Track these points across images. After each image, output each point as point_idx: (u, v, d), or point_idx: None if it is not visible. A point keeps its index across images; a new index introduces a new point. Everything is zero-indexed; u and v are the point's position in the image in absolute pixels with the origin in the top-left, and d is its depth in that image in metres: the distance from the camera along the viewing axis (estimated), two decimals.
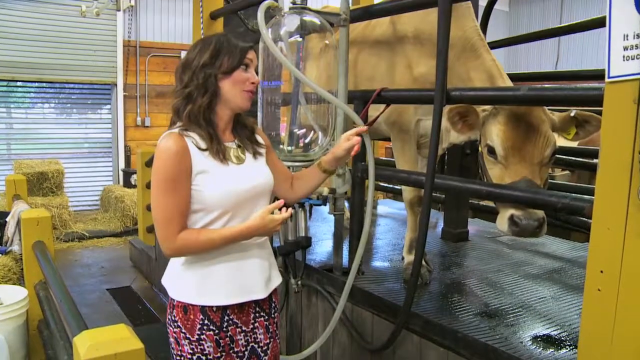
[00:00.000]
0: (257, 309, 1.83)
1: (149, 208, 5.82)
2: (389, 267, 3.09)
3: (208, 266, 1.72)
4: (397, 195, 5.35)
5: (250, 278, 1.77)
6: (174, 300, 1.75)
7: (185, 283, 1.73)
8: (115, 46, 8.67)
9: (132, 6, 8.42)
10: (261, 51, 2.62)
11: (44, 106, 8.56)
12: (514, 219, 2.06)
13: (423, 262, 2.92)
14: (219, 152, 1.68)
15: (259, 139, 1.87)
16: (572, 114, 2.11)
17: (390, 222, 4.46)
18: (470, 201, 3.93)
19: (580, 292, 2.74)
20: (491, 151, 2.17)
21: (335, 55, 2.62)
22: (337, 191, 2.68)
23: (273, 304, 1.90)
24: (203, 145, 1.67)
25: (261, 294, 1.80)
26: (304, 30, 2.52)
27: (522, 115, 2.11)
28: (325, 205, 2.76)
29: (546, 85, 1.96)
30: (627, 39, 1.52)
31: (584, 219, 3.31)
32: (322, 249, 3.51)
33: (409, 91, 2.54)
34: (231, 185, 1.68)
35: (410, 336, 2.34)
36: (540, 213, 2.05)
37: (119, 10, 8.17)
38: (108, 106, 8.96)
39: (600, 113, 2.08)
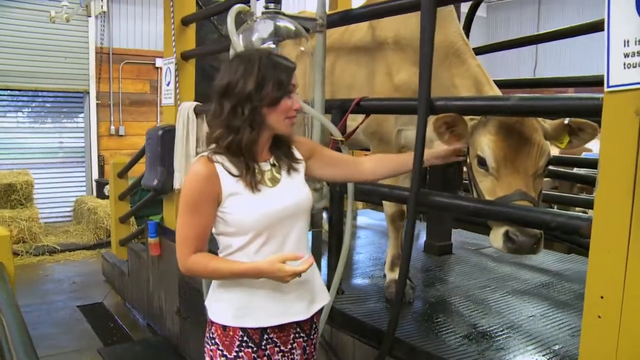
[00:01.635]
0: (298, 329, 1.75)
1: (122, 220, 5.61)
2: (370, 285, 2.93)
3: (248, 288, 1.66)
4: (377, 206, 5.17)
5: (291, 300, 1.70)
6: (212, 319, 1.72)
7: (224, 305, 1.69)
8: (87, 53, 8.38)
9: (104, 12, 8.17)
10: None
11: (13, 115, 8.24)
12: (510, 235, 1.88)
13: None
14: (252, 183, 1.61)
15: (296, 153, 1.77)
16: (565, 122, 1.96)
17: (371, 234, 4.31)
18: None
19: (570, 309, 2.62)
20: (482, 162, 2.01)
21: (311, 62, 2.47)
22: (315, 206, 2.51)
23: (314, 325, 1.82)
24: (235, 171, 1.61)
25: (303, 316, 1.72)
26: (278, 36, 2.36)
27: (513, 124, 1.96)
28: None
29: (539, 95, 1.82)
30: (627, 45, 1.39)
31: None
32: None
33: (390, 100, 2.39)
34: (263, 208, 1.61)
35: None
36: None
37: (89, 16, 7.89)
38: (80, 115, 8.67)
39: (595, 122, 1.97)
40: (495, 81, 2.34)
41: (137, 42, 8.86)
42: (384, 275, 2.86)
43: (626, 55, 1.39)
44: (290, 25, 2.38)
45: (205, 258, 1.62)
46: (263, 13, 2.39)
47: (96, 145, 8.65)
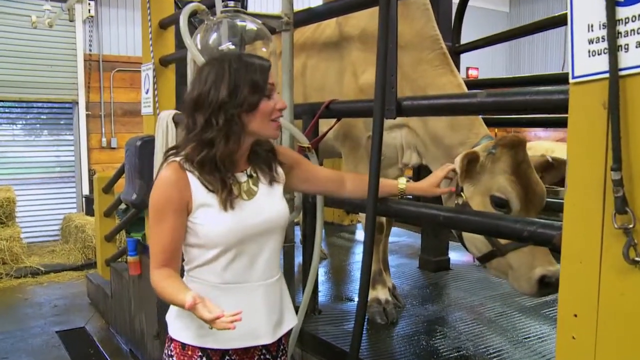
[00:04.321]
0: (264, 350, 1.73)
1: (107, 238, 5.60)
2: (352, 305, 2.86)
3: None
4: None
5: (255, 322, 1.66)
6: (172, 336, 1.69)
7: (185, 323, 1.64)
8: (75, 60, 8.41)
9: (92, 17, 8.20)
10: (189, 63, 2.44)
11: None
12: (546, 280, 1.89)
13: (390, 298, 2.71)
14: (227, 201, 1.56)
15: (278, 168, 1.75)
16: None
17: None
18: None
19: None
20: (500, 204, 2.02)
21: (278, 64, 2.43)
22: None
23: (282, 346, 1.80)
24: (210, 186, 1.57)
25: (267, 339, 1.69)
26: (237, 36, 2.33)
27: (520, 162, 1.99)
28: None
29: (505, 91, 1.77)
30: (592, 30, 1.33)
31: None
32: None
33: (356, 103, 2.34)
34: (235, 222, 1.58)
35: None
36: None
37: (71, 21, 7.90)
38: (69, 126, 8.72)
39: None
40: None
41: (130, 49, 8.85)
42: None
43: (590, 42, 1.34)
44: (252, 25, 2.35)
45: (162, 275, 1.57)
46: (222, 12, 2.36)
47: (86, 158, 8.65)
